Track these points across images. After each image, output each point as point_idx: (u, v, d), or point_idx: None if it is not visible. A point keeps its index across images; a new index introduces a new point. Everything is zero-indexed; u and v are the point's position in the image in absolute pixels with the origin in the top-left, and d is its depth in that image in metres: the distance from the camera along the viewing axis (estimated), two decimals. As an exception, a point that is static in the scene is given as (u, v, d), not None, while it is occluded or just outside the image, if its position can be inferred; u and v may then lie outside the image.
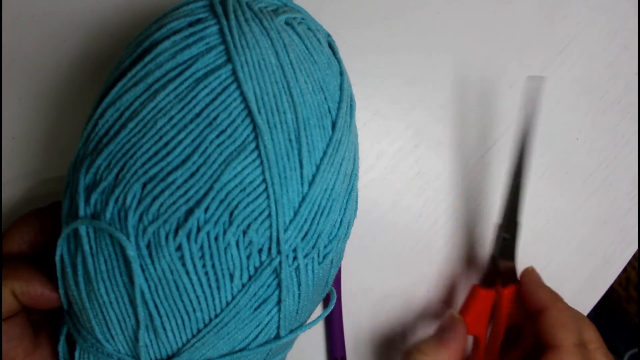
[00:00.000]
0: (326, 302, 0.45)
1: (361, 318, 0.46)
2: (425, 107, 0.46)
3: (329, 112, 0.30)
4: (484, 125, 0.48)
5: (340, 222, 0.32)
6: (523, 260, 0.48)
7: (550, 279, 0.48)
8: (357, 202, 0.35)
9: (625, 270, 0.89)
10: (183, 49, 0.28)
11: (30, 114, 0.40)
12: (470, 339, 0.46)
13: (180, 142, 0.27)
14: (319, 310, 0.45)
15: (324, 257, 0.31)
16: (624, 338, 0.93)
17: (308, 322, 0.35)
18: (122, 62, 0.30)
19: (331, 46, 0.33)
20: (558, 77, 0.49)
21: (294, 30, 0.30)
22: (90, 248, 0.29)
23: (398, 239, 0.47)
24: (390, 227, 0.46)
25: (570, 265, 0.50)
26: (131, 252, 0.28)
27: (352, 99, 0.33)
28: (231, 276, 0.29)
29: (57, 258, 0.30)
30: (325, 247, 0.31)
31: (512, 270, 0.44)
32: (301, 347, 0.45)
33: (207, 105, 0.27)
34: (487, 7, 0.47)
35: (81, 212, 0.29)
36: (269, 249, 0.29)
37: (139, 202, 0.28)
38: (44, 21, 0.40)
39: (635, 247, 0.51)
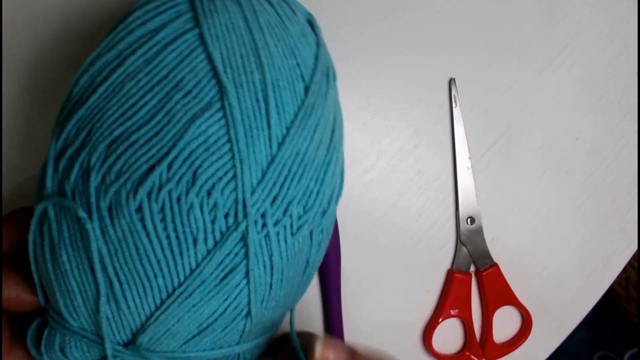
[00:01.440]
0: (325, 314, 0.45)
1: (361, 318, 0.46)
2: (425, 107, 0.46)
3: (302, 77, 0.30)
4: (484, 125, 0.48)
5: (317, 192, 0.30)
6: (523, 260, 0.48)
7: (550, 279, 0.49)
8: (342, 178, 0.34)
9: (625, 270, 0.88)
10: (154, 17, 0.28)
11: (30, 114, 0.41)
12: (460, 323, 0.49)
13: (145, 103, 0.27)
14: (319, 315, 0.45)
15: (299, 229, 0.30)
16: (624, 338, 0.91)
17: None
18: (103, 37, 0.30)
19: (310, 22, 0.33)
20: (558, 77, 0.49)
21: (267, 1, 0.30)
22: (55, 215, 0.29)
23: (398, 239, 0.46)
24: (390, 227, 0.46)
25: (570, 265, 0.50)
26: (82, 214, 0.27)
27: (329, 70, 0.32)
28: (195, 241, 0.28)
29: (30, 236, 0.30)
30: (299, 217, 0.30)
31: (485, 253, 0.48)
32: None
33: (174, 67, 0.28)
34: (487, 7, 0.47)
35: (48, 180, 0.29)
36: (236, 213, 0.28)
37: (103, 162, 0.27)
38: (44, 21, 0.41)
39: (635, 247, 0.51)
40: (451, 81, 0.46)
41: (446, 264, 0.48)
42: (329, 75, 0.32)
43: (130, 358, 0.29)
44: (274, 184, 0.28)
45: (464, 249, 0.47)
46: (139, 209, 0.27)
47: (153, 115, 0.27)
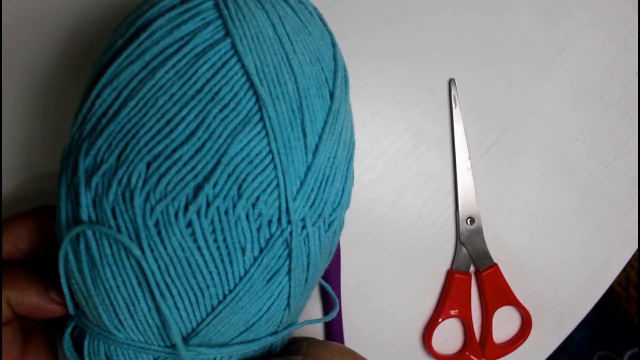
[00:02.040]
0: (326, 309, 0.45)
1: (361, 318, 0.46)
2: (424, 108, 0.46)
3: (326, 82, 0.31)
4: (484, 125, 0.48)
5: (343, 190, 0.32)
6: (523, 260, 0.48)
7: (550, 279, 0.49)
8: (354, 171, 0.35)
9: (625, 270, 0.89)
10: (179, 25, 0.28)
11: (30, 114, 0.40)
12: (459, 323, 0.49)
13: (183, 118, 0.27)
14: (319, 315, 0.45)
15: (329, 225, 0.32)
16: (624, 338, 0.92)
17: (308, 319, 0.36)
18: (114, 42, 0.29)
19: (321, 18, 0.33)
20: (558, 77, 0.49)
21: (286, 3, 0.30)
22: (93, 233, 0.28)
23: (398, 239, 0.46)
24: (390, 227, 0.46)
25: (570, 265, 0.50)
26: (136, 252, 0.28)
27: (345, 70, 0.33)
28: (243, 250, 0.29)
29: (61, 253, 0.30)
30: (330, 215, 0.32)
31: (485, 253, 0.48)
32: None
33: (209, 80, 0.27)
34: (487, 7, 0.47)
35: (82, 197, 0.28)
36: (279, 219, 0.29)
37: (145, 181, 0.27)
38: (44, 21, 0.40)
39: (635, 247, 0.51)
40: (451, 82, 0.46)
41: (446, 264, 0.48)
42: (346, 76, 0.33)
43: (182, 356, 0.30)
44: (312, 190, 0.30)
45: (464, 249, 0.47)
46: (189, 225, 0.28)
47: (193, 131, 0.27)
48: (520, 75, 0.49)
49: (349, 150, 0.33)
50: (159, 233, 0.28)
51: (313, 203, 0.30)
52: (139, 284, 0.29)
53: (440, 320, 0.47)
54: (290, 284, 0.31)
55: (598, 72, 0.50)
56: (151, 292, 0.29)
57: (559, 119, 0.49)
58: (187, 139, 0.27)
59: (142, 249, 0.28)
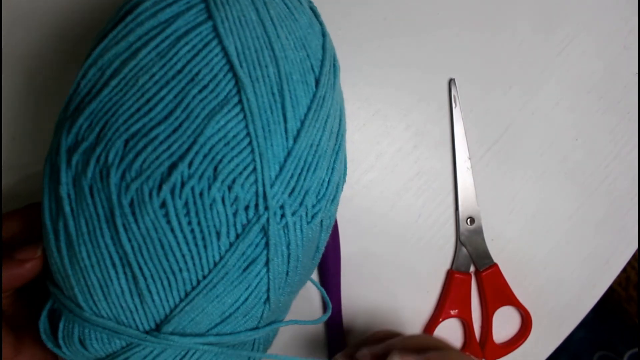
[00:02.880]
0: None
1: (361, 318, 0.46)
2: (424, 108, 0.46)
3: (312, 69, 0.30)
4: (484, 125, 0.48)
5: (328, 181, 0.31)
6: (523, 260, 0.48)
7: (550, 279, 0.49)
8: (345, 164, 0.35)
9: (625, 270, 0.88)
10: (164, 8, 0.28)
11: (30, 114, 0.40)
12: (459, 323, 0.48)
13: (162, 98, 0.27)
14: (319, 315, 0.45)
15: (313, 217, 0.31)
16: (624, 338, 0.91)
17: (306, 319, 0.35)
18: (106, 26, 0.30)
19: (313, 10, 0.33)
20: (558, 77, 0.49)
21: None
22: (72, 210, 0.28)
23: (398, 239, 0.46)
24: (390, 227, 0.46)
25: (570, 265, 0.50)
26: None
27: (335, 60, 0.33)
28: (218, 234, 0.28)
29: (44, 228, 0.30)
30: (313, 206, 0.31)
31: (485, 253, 0.47)
32: (301, 347, 0.45)
33: (189, 61, 0.28)
34: (487, 7, 0.47)
35: (62, 175, 0.28)
36: (256, 205, 0.28)
37: (122, 159, 0.27)
38: (44, 21, 0.40)
39: (635, 247, 0.51)
40: (451, 81, 0.46)
41: (446, 264, 0.47)
42: (335, 66, 0.33)
43: (154, 344, 0.30)
44: (292, 176, 0.29)
45: (464, 249, 0.47)
46: (163, 205, 0.27)
47: (171, 110, 0.27)
48: (520, 75, 0.48)
49: (337, 140, 0.32)
50: (133, 212, 0.27)
51: (293, 190, 0.29)
52: (113, 264, 0.28)
53: (440, 320, 0.46)
54: (268, 276, 0.30)
55: (598, 72, 0.50)
56: (125, 273, 0.28)
57: (559, 119, 0.49)
58: (165, 118, 0.27)
59: (116, 228, 0.28)
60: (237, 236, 0.29)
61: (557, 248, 0.49)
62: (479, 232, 0.47)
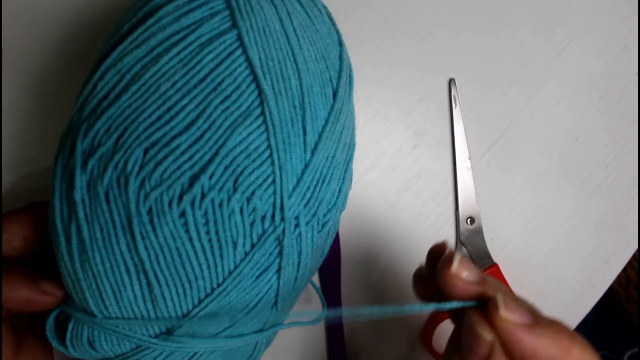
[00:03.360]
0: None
1: (361, 319, 0.46)
2: (424, 108, 0.46)
3: (330, 80, 0.30)
4: (484, 125, 0.48)
5: (339, 191, 0.32)
6: (523, 260, 0.48)
7: (550, 279, 0.49)
8: (352, 172, 0.35)
9: (625, 270, 0.89)
10: (187, 13, 0.28)
11: (30, 114, 0.40)
12: None
13: (184, 107, 0.27)
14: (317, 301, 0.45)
15: (323, 226, 0.31)
16: (624, 338, 0.92)
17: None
18: (121, 27, 0.29)
19: (330, 18, 0.33)
20: (558, 77, 0.49)
21: (297, 0, 0.30)
22: (85, 215, 0.28)
23: (398, 239, 0.46)
24: (390, 227, 0.46)
25: (570, 265, 0.50)
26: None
27: (350, 70, 0.33)
28: (234, 244, 0.28)
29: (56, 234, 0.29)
30: (324, 215, 0.31)
31: (485, 253, 0.47)
32: (301, 348, 0.45)
33: (212, 70, 0.27)
34: (487, 7, 0.47)
35: (77, 179, 0.28)
36: (272, 216, 0.29)
37: (141, 167, 0.27)
38: (44, 21, 0.40)
39: (635, 247, 0.51)
40: (451, 81, 0.47)
41: (446, 265, 0.47)
42: (351, 77, 0.33)
43: (164, 347, 0.30)
44: (308, 188, 0.30)
45: (464, 249, 0.47)
46: (182, 215, 0.27)
47: (193, 120, 0.27)
48: (520, 75, 0.49)
49: (348, 151, 0.33)
50: (152, 221, 0.27)
51: (308, 202, 0.30)
52: (127, 270, 0.28)
53: (440, 320, 0.46)
54: (279, 282, 0.31)
55: (598, 72, 0.50)
56: (139, 279, 0.28)
57: (559, 119, 0.49)
58: (187, 127, 0.27)
59: (133, 236, 0.27)
60: (253, 246, 0.29)
61: (557, 248, 0.50)
62: (479, 232, 0.47)
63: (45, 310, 0.32)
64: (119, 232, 0.28)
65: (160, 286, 0.28)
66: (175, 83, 0.27)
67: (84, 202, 0.28)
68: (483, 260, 0.47)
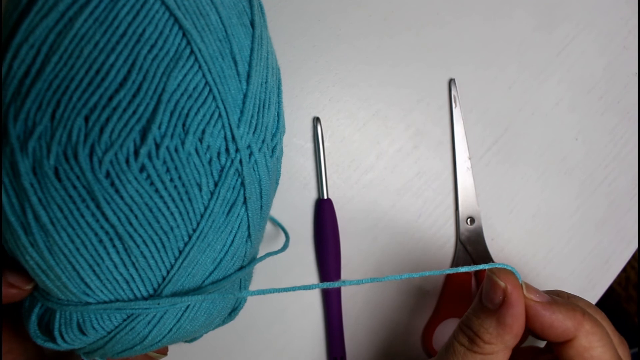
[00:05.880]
0: (324, 292, 0.45)
1: (361, 318, 0.46)
2: (424, 108, 0.47)
3: (245, 10, 0.31)
4: (484, 125, 0.48)
5: (278, 115, 0.33)
6: (523, 260, 0.48)
7: (550, 279, 0.48)
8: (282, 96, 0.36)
9: (625, 270, 0.88)
10: None
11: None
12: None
13: (112, 65, 0.26)
14: (319, 316, 0.45)
15: (273, 151, 0.33)
16: (624, 338, 0.90)
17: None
18: (19, 2, 0.27)
19: None
20: (558, 77, 0.50)
21: None
22: (39, 200, 0.27)
23: (398, 239, 0.46)
24: (390, 227, 0.46)
25: (570, 265, 0.50)
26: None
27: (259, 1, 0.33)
28: (199, 185, 0.29)
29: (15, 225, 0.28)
30: (271, 139, 0.32)
31: (485, 253, 0.48)
32: (301, 347, 0.45)
33: (131, 22, 0.27)
34: (487, 8, 0.48)
35: (20, 165, 0.27)
36: (227, 149, 0.29)
37: (86, 135, 0.26)
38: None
39: (635, 247, 0.51)
40: (451, 81, 0.47)
41: (446, 264, 0.48)
42: (260, 5, 0.33)
43: (157, 308, 0.30)
44: (252, 116, 0.30)
45: (464, 249, 0.47)
46: (142, 169, 0.27)
47: (125, 75, 0.27)
48: (520, 75, 0.49)
49: (276, 76, 0.34)
50: (112, 183, 0.27)
51: (255, 129, 0.30)
52: (100, 240, 0.28)
53: (440, 320, 0.46)
54: (247, 214, 0.31)
55: (598, 72, 0.51)
56: (114, 246, 0.28)
57: (559, 119, 0.50)
58: (121, 84, 0.27)
59: (98, 204, 0.27)
60: (216, 184, 0.29)
61: (557, 248, 0.50)
62: (479, 232, 0.47)
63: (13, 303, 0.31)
64: (81, 206, 0.27)
65: (138, 246, 0.28)
66: (97, 44, 0.26)
67: (34, 187, 0.27)
68: (483, 260, 0.47)
